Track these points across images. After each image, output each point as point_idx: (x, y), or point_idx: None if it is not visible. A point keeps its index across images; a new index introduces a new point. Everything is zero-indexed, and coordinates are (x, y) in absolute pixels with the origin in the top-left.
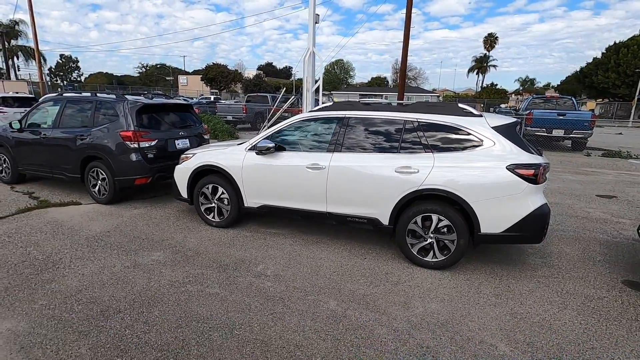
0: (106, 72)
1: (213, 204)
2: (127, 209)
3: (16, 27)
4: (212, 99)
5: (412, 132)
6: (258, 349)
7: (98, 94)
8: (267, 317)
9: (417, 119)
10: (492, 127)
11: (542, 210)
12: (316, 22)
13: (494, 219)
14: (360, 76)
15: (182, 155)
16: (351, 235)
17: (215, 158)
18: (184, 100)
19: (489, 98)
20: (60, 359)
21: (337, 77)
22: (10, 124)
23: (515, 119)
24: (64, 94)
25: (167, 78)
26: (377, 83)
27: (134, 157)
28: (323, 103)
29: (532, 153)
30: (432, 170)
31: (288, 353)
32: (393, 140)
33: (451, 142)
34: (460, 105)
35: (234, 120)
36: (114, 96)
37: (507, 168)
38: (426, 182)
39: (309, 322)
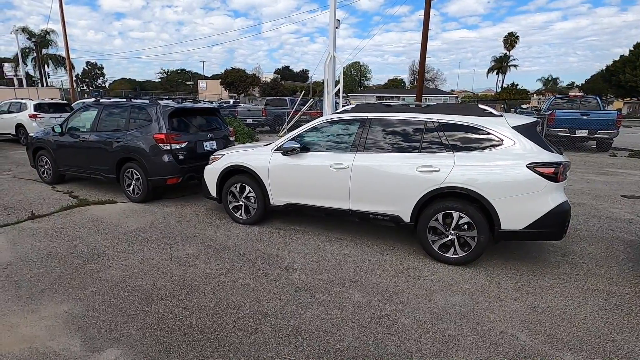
0: (129, 78)
1: (240, 202)
2: (159, 207)
3: (47, 36)
4: (231, 102)
5: (433, 132)
6: (290, 333)
7: (132, 100)
8: (297, 306)
9: (437, 119)
10: (512, 127)
11: (563, 207)
12: (336, 27)
13: (515, 215)
14: (377, 78)
15: (212, 156)
16: (372, 232)
17: (243, 159)
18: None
19: (510, 98)
20: (112, 338)
21: (353, 79)
22: (53, 128)
23: (535, 119)
24: (101, 100)
25: (187, 83)
26: (394, 85)
27: (166, 158)
28: (343, 106)
29: (552, 152)
30: (453, 169)
31: (317, 338)
32: (414, 140)
33: (471, 141)
34: (480, 106)
35: (254, 123)
36: (147, 101)
37: (527, 166)
38: (447, 180)
39: (336, 311)
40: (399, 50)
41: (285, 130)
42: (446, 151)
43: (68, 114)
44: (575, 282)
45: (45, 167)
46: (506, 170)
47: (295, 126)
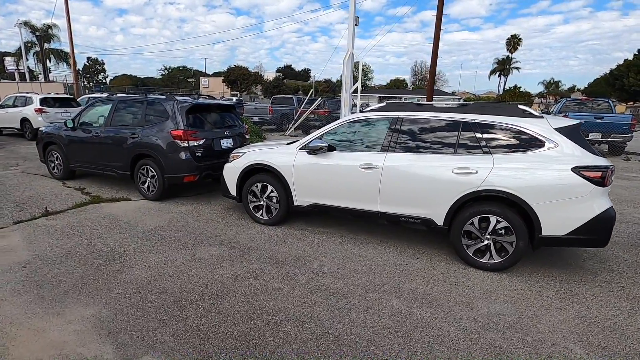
0: (130, 75)
1: (262, 202)
2: (175, 206)
3: (49, 30)
4: (234, 100)
5: (470, 133)
6: (332, 342)
7: (148, 95)
8: (334, 312)
9: (474, 119)
10: (555, 129)
11: (609, 213)
12: (356, 24)
13: (557, 221)
14: (379, 78)
15: (232, 154)
16: (398, 235)
17: (267, 157)
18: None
19: (513, 101)
20: (146, 345)
21: (355, 79)
22: (65, 122)
23: (578, 121)
24: (115, 95)
25: (189, 80)
26: (396, 85)
27: (183, 155)
28: (366, 105)
29: (597, 155)
30: (491, 171)
31: (362, 348)
32: (449, 141)
33: (511, 143)
34: (519, 106)
35: (260, 121)
36: (163, 96)
37: (572, 170)
38: (485, 183)
39: (376, 319)
40: (401, 51)
41: (292, 128)
42: (484, 153)
43: (80, 108)
44: (618, 290)
45: (56, 162)
46: (549, 173)
47: (303, 125)
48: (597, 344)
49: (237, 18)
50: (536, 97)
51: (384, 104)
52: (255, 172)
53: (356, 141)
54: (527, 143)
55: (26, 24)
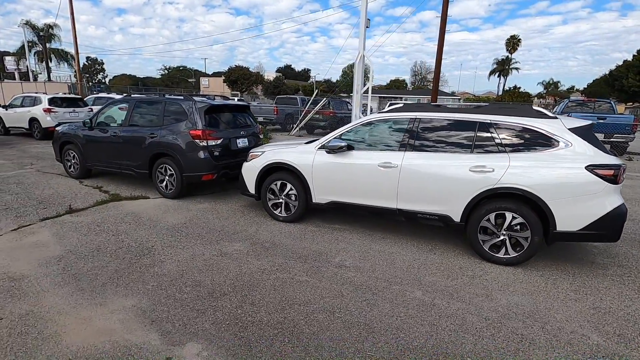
0: (129, 74)
1: (280, 200)
2: (193, 204)
3: (50, 30)
4: (235, 100)
5: (486, 133)
6: (364, 330)
7: (166, 95)
8: (362, 303)
9: (490, 120)
10: (569, 129)
11: (621, 209)
12: (367, 27)
13: (571, 217)
14: (378, 79)
15: (250, 153)
16: (413, 232)
17: (286, 156)
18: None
19: (513, 101)
20: (189, 332)
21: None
22: (83, 122)
23: (590, 122)
24: (133, 95)
25: (189, 80)
26: (396, 86)
27: (202, 154)
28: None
29: (610, 154)
30: (507, 169)
31: (392, 334)
32: (466, 141)
33: (527, 142)
34: (534, 107)
35: (265, 121)
36: (181, 97)
37: (586, 168)
38: (502, 181)
39: (402, 309)
40: (400, 51)
41: (297, 129)
42: (500, 152)
43: (97, 108)
44: (629, 283)
45: (72, 161)
46: (564, 171)
47: (307, 125)
48: (613, 332)
49: (237, 18)
50: (535, 98)
51: (401, 104)
52: (274, 171)
53: (374, 141)
54: (542, 142)
55: (27, 23)
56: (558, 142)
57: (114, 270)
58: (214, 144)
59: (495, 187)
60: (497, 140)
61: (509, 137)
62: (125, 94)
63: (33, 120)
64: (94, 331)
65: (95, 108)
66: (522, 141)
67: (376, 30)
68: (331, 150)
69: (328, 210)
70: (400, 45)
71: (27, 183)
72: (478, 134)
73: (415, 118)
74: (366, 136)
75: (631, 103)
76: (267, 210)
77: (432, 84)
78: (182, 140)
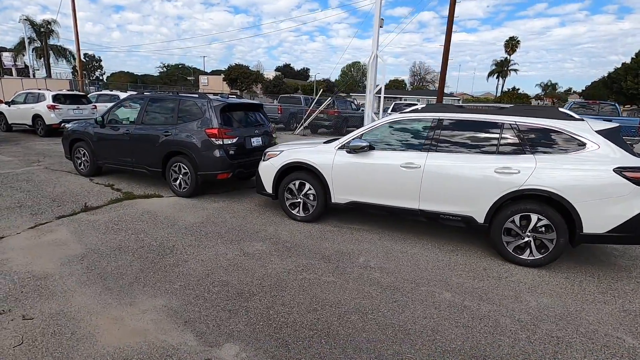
0: (127, 72)
1: (299, 200)
2: (208, 202)
3: (48, 26)
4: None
5: (511, 134)
6: (399, 332)
7: (180, 93)
8: (392, 304)
9: (515, 121)
10: (596, 131)
11: None
12: (380, 26)
13: (598, 219)
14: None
15: (268, 152)
16: (432, 232)
17: (305, 156)
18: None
19: (512, 103)
20: (224, 333)
21: (353, 79)
22: (95, 120)
23: (617, 124)
24: (145, 93)
25: (188, 78)
26: (395, 86)
27: (217, 153)
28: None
29: (637, 156)
30: (534, 171)
31: (428, 337)
32: (491, 142)
33: (554, 144)
34: (560, 109)
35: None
36: (196, 95)
37: (614, 170)
38: (528, 182)
39: (434, 310)
40: (398, 52)
41: (301, 128)
42: (525, 153)
43: (109, 106)
44: None
45: (83, 159)
46: (591, 174)
47: (311, 124)
48: None
49: (235, 16)
50: (533, 99)
51: (423, 105)
52: (292, 171)
53: (396, 141)
54: (569, 144)
55: (27, 19)
56: (585, 144)
57: (138, 270)
58: (229, 142)
59: (521, 188)
60: (523, 142)
61: (535, 139)
62: (137, 92)
63: (36, 117)
64: (128, 331)
65: (99, 105)
66: (549, 143)
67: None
68: (352, 150)
69: (344, 210)
70: (399, 46)
71: (37, 180)
72: (503, 135)
73: (439, 119)
74: (387, 136)
75: (629, 105)
76: (284, 209)
77: (430, 85)
78: (198, 139)
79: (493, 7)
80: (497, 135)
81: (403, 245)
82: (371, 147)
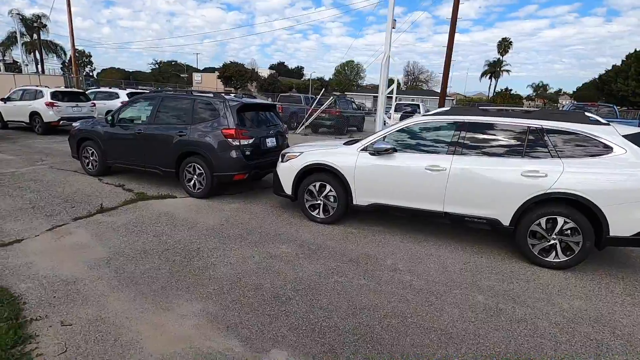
0: (118, 68)
1: (319, 201)
2: (223, 204)
3: (39, 20)
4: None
5: (538, 137)
6: (442, 335)
7: (194, 93)
8: (429, 308)
9: (542, 125)
10: (623, 136)
11: None
12: (393, 27)
13: (625, 222)
14: (371, 78)
15: (287, 154)
16: (454, 235)
17: (327, 157)
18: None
19: (504, 103)
20: (270, 339)
21: (347, 78)
22: (105, 118)
23: None
24: (157, 92)
25: (181, 75)
26: (389, 85)
27: (234, 154)
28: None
29: None
30: (561, 175)
31: (472, 341)
32: (517, 145)
33: (581, 148)
34: (586, 114)
35: None
36: (211, 94)
37: None
38: (555, 186)
39: (471, 314)
40: (392, 51)
41: (303, 127)
42: (552, 157)
43: (120, 105)
44: None
45: (91, 158)
46: (619, 177)
47: (312, 124)
48: None
49: (228, 13)
50: (525, 100)
51: (448, 107)
52: (312, 172)
53: (420, 143)
54: (597, 148)
55: (18, 13)
56: (612, 148)
57: (168, 274)
58: (246, 143)
59: (548, 191)
60: (550, 146)
61: (562, 143)
62: (150, 90)
63: (34, 114)
64: (172, 338)
65: (98, 103)
66: (576, 147)
67: (368, 29)
68: (376, 152)
69: (363, 212)
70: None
71: (45, 180)
72: (529, 139)
73: (464, 122)
74: (411, 139)
75: (619, 107)
76: (304, 211)
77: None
78: (214, 139)
79: (485, 8)
80: (523, 139)
81: (427, 248)
82: (394, 149)
